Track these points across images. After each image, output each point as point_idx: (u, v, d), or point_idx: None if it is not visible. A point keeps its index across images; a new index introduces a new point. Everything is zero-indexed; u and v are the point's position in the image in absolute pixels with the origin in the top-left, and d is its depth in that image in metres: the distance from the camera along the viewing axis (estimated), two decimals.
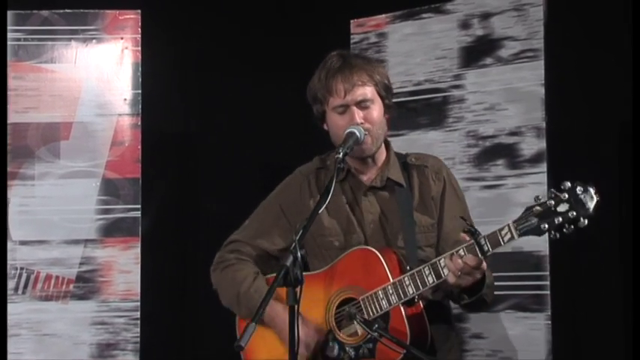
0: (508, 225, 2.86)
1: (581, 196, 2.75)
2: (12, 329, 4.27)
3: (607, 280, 4.02)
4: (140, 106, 4.42)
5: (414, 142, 4.22)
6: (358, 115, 3.18)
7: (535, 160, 4.01)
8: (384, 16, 4.46)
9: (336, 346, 3.12)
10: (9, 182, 4.33)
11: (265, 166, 4.82)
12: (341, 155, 3.04)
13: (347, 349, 3.10)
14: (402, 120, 4.23)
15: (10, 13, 4.36)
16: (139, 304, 4.34)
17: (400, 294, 3.03)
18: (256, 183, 4.79)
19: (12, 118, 4.36)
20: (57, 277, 4.34)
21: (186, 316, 4.83)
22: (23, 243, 4.34)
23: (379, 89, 3.22)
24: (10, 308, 4.26)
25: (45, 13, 4.43)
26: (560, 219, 2.76)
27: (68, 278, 4.35)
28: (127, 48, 4.44)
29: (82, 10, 4.45)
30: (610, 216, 3.86)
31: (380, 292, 3.05)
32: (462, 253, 2.92)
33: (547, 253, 3.92)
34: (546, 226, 2.78)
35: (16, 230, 4.33)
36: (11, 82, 4.37)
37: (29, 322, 4.31)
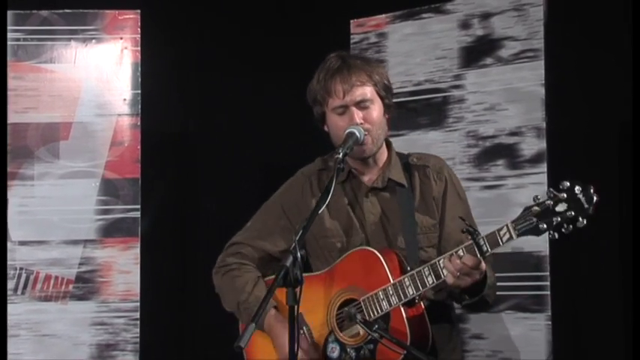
0: (507, 225, 2.86)
1: (580, 196, 2.74)
2: (11, 330, 4.26)
3: (607, 281, 4.02)
4: (140, 107, 4.41)
5: (414, 142, 4.22)
6: (358, 115, 3.17)
7: (535, 160, 4.01)
8: (384, 16, 4.46)
9: (338, 348, 3.12)
10: (8, 182, 4.33)
11: (265, 166, 4.82)
12: (341, 155, 3.04)
13: (348, 350, 3.10)
14: (402, 120, 4.22)
15: (9, 13, 4.36)
16: (138, 304, 4.33)
17: (400, 295, 3.02)
18: (256, 183, 4.79)
19: (11, 118, 4.36)
20: (56, 278, 4.34)
21: (185, 316, 4.82)
22: (22, 243, 4.34)
23: (378, 89, 3.22)
24: (10, 309, 4.26)
25: (44, 13, 4.43)
26: (559, 219, 2.76)
27: (68, 279, 4.35)
28: (126, 48, 4.44)
29: (81, 10, 4.44)
30: (610, 216, 3.86)
31: (380, 293, 3.05)
32: (461, 254, 2.92)
33: (547, 253, 3.92)
34: (545, 226, 2.78)
35: (15, 230, 4.33)
36: (11, 82, 4.36)
37: (28, 322, 4.31)
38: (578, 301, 4.11)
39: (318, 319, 3.17)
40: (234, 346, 2.60)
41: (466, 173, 4.13)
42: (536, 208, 2.80)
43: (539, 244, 3.87)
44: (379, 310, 3.05)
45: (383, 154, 3.29)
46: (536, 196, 2.82)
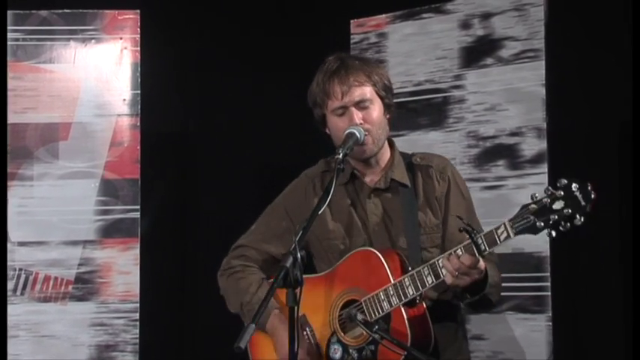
0: (504, 224, 2.86)
1: (577, 194, 2.74)
2: (11, 330, 4.25)
3: (607, 281, 4.02)
4: (139, 107, 4.40)
5: (414, 142, 4.21)
6: (357, 115, 3.17)
7: (536, 160, 4.00)
8: (384, 16, 4.45)
9: (340, 349, 3.12)
10: (8, 183, 4.31)
11: (265, 166, 4.82)
12: (340, 156, 3.03)
13: (350, 351, 3.10)
14: (403, 120, 4.21)
15: (8, 13, 4.35)
16: (138, 305, 4.33)
17: (401, 295, 3.02)
18: (256, 183, 4.79)
19: (11, 118, 4.35)
20: (56, 279, 4.33)
21: (185, 317, 4.82)
22: (22, 244, 4.33)
23: (378, 89, 3.21)
24: (9, 309, 4.25)
25: (44, 13, 4.42)
26: (556, 217, 2.75)
27: (67, 279, 4.34)
28: (126, 48, 4.43)
29: (80, 10, 4.43)
30: (610, 216, 3.86)
31: (381, 294, 3.05)
32: (460, 253, 2.91)
33: (548, 254, 3.92)
34: (542, 224, 2.78)
35: (14, 231, 4.32)
36: (10, 83, 4.35)
37: (28, 323, 4.30)
38: (578, 301, 4.10)
39: (321, 321, 3.17)
40: (234, 347, 2.60)
41: (466, 174, 4.12)
42: (533, 206, 2.80)
43: (539, 245, 3.87)
44: (380, 311, 3.04)
45: (385, 155, 3.28)
46: (534, 195, 2.81)
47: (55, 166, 4.37)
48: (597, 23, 4.06)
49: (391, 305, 3.03)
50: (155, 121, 4.58)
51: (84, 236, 4.35)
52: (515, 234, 2.84)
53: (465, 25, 4.23)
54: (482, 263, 2.95)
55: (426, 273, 2.99)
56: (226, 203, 4.76)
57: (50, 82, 4.40)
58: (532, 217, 2.79)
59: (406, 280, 3.02)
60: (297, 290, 2.69)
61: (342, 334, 3.13)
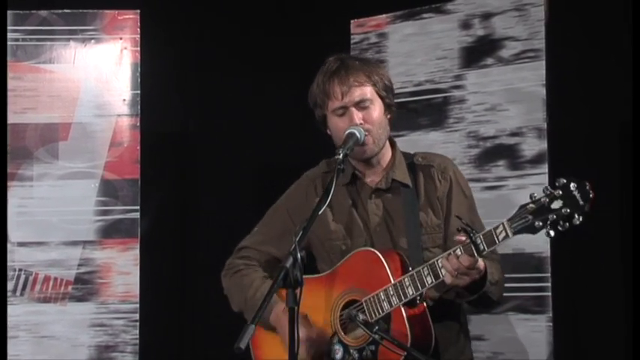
0: (502, 223, 2.85)
1: (575, 193, 2.73)
2: (10, 331, 4.25)
3: (608, 281, 4.02)
4: (139, 107, 4.40)
5: (414, 142, 4.20)
6: (357, 115, 3.16)
7: (536, 160, 4.00)
8: (384, 16, 4.45)
9: (341, 349, 3.12)
10: (7, 183, 4.31)
11: (265, 167, 4.82)
12: (341, 156, 3.03)
13: (351, 351, 3.10)
14: (403, 121, 4.21)
15: (8, 13, 4.34)
16: (137, 305, 4.32)
17: (401, 295, 3.02)
18: (256, 183, 4.79)
19: (10, 118, 4.34)
20: (55, 279, 4.33)
21: (185, 317, 4.81)
22: (21, 244, 4.32)
23: (378, 89, 3.21)
24: (9, 310, 4.24)
25: (43, 13, 4.42)
26: (554, 216, 2.74)
27: (67, 280, 4.33)
28: (125, 48, 4.42)
29: (80, 10, 4.43)
30: (610, 217, 3.86)
31: (381, 294, 3.04)
32: (459, 253, 2.91)
33: (548, 254, 3.91)
34: (540, 223, 2.77)
35: (14, 231, 4.32)
36: (10, 83, 4.35)
37: (27, 324, 4.30)
38: (579, 302, 4.10)
39: (322, 321, 3.17)
40: (234, 348, 2.59)
41: (467, 174, 4.08)
42: (531, 205, 2.80)
43: (540, 245, 3.87)
44: (380, 311, 3.04)
45: (386, 155, 3.28)
46: (533, 194, 2.81)
47: (55, 166, 4.37)
48: (597, 23, 4.06)
49: (391, 305, 3.03)
50: (155, 121, 4.58)
51: (84, 237, 4.35)
52: (514, 234, 2.83)
53: (466, 25, 4.22)
54: (481, 263, 2.95)
55: (426, 273, 2.99)
56: (226, 203, 4.76)
57: (50, 82, 4.40)
58: (530, 217, 2.79)
59: (406, 280, 3.01)
60: (297, 290, 2.68)
61: (343, 334, 3.13)
